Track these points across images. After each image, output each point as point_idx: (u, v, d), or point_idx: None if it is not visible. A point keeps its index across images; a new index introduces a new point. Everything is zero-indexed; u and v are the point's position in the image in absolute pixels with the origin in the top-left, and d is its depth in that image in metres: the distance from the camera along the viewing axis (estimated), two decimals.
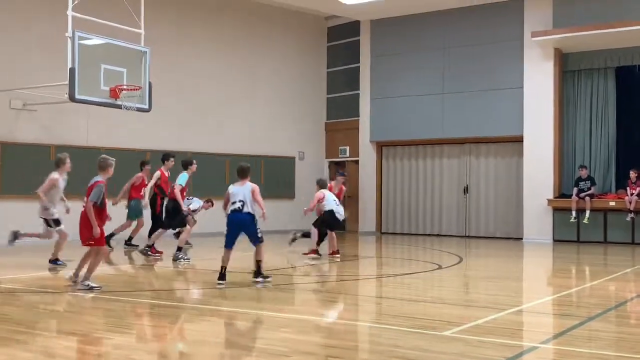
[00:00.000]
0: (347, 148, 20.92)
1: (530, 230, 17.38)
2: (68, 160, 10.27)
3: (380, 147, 20.36)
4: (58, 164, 10.27)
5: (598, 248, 15.50)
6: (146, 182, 13.27)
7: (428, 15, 18.97)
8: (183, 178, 11.81)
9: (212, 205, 13.57)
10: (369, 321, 7.01)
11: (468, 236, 18.65)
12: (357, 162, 20.61)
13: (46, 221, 10.35)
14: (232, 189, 8.90)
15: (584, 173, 16.71)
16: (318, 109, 21.28)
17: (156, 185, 12.57)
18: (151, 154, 16.19)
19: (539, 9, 17.29)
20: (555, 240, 16.94)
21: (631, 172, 16.14)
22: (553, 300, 8.44)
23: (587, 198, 16.39)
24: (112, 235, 13.46)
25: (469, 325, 6.36)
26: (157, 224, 12.58)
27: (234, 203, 8.76)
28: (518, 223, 17.80)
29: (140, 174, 13.22)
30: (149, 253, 12.14)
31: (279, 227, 18.44)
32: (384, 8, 18.64)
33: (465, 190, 18.95)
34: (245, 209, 8.72)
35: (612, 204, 16.35)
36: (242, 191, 8.81)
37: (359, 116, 20.35)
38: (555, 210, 17.04)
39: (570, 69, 17.63)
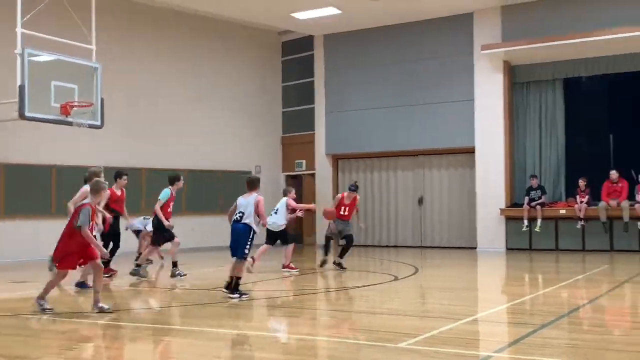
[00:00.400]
0: (304, 162, 20.99)
1: (483, 240, 17.68)
2: (102, 175, 10.33)
3: (336, 160, 20.49)
4: (91, 178, 10.12)
5: (550, 255, 15.85)
6: None
7: (380, 30, 19.23)
8: (164, 194, 11.62)
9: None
10: (327, 335, 7.03)
11: (423, 246, 18.86)
12: (313, 175, 20.69)
13: None
14: (238, 200, 9.09)
15: (534, 182, 17.10)
16: (274, 123, 21.32)
17: (106, 205, 12.21)
18: (104, 170, 15.99)
19: (488, 22, 17.70)
20: (508, 249, 17.26)
21: (580, 181, 16.59)
22: (507, 309, 8.58)
23: (538, 207, 16.76)
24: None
25: (425, 336, 6.43)
26: (108, 243, 12.31)
27: (237, 214, 8.97)
28: (472, 233, 18.08)
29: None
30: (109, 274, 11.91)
31: None
32: (337, 23, 18.83)
33: (420, 201, 19.18)
34: (244, 220, 8.85)
35: (563, 212, 16.75)
36: (245, 202, 8.97)
37: (314, 130, 20.46)
38: (508, 219, 17.38)
39: (519, 81, 18.06)
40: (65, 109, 12.52)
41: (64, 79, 12.67)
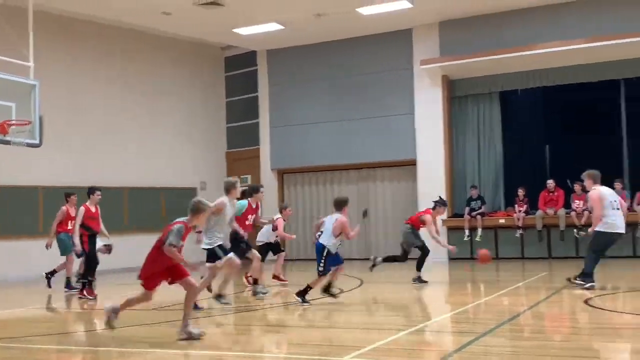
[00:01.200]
0: (249, 177, 20.95)
1: None
2: (238, 185, 10.04)
3: (282, 174, 20.54)
4: (229, 190, 9.74)
5: (491, 264, 16.17)
6: (72, 214, 12.79)
7: (322, 45, 19.44)
8: (240, 205, 10.83)
9: (109, 252, 13.01)
10: (274, 352, 7.06)
11: (369, 259, 18.96)
12: None
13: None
14: (325, 219, 9.89)
15: (474, 193, 17.50)
16: (218, 138, 21.25)
17: (81, 222, 11.89)
18: (46, 189, 15.70)
19: (427, 38, 18.11)
20: (450, 259, 17.55)
21: (519, 190, 17.06)
22: (450, 318, 8.76)
23: (479, 217, 17.16)
24: (53, 273, 13.00)
25: (368, 348, 6.50)
26: (90, 263, 11.98)
27: (319, 232, 9.67)
28: None
29: (63, 208, 12.86)
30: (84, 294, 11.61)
31: None
32: (279, 38, 18.95)
33: (365, 214, 19.30)
34: (321, 239, 9.50)
35: (502, 221, 17.18)
36: (327, 222, 9.62)
37: (259, 145, 20.48)
38: (450, 229, 17.71)
39: (457, 95, 18.51)
40: (2, 128, 12.23)
41: (0, 97, 12.40)
